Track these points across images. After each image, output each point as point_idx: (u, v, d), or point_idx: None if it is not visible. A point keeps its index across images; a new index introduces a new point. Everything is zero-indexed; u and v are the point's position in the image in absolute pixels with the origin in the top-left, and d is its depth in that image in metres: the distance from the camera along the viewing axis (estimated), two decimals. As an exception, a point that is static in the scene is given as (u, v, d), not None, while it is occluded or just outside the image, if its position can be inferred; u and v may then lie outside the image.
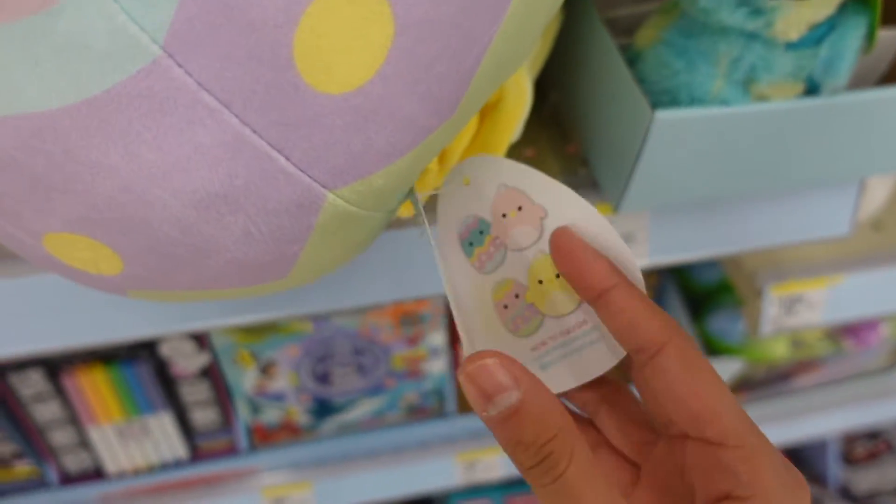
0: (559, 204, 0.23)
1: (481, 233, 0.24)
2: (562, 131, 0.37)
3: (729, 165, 0.30)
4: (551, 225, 0.23)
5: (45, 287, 0.32)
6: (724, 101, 0.27)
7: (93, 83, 0.13)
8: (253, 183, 0.16)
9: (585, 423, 0.24)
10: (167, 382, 0.54)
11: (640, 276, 0.22)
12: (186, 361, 0.53)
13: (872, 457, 0.93)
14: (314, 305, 0.38)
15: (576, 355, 0.23)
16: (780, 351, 0.62)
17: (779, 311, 0.50)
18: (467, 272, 0.25)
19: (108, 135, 0.14)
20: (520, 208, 0.23)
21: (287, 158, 0.16)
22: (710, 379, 0.19)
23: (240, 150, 0.15)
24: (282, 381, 0.56)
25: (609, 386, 0.24)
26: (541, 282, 0.24)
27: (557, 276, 0.23)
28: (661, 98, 0.27)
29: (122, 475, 0.57)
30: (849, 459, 0.91)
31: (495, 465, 0.65)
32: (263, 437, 0.60)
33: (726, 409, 0.19)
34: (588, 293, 0.21)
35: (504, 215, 0.24)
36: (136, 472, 0.57)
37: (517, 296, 0.24)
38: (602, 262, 0.21)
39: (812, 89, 0.28)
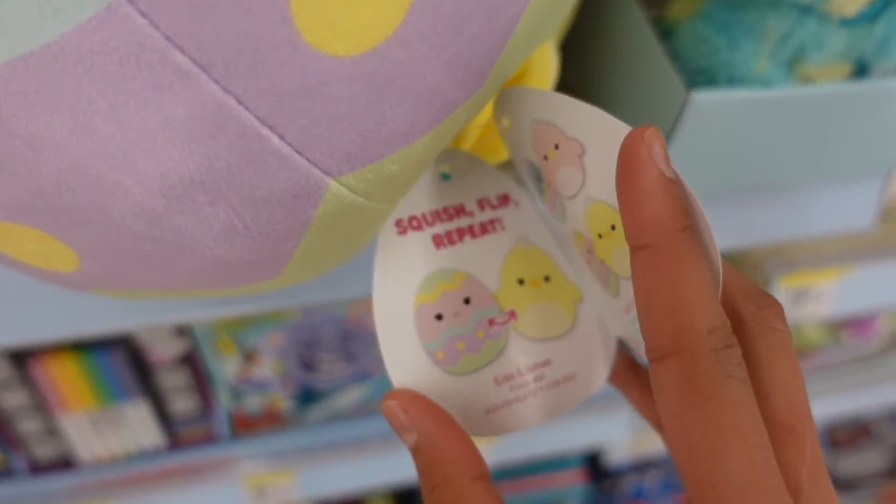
0: (595, 134, 0.17)
1: (539, 180, 0.20)
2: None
3: (761, 152, 0.27)
4: (592, 163, 0.17)
5: (7, 274, 0.29)
6: (765, 83, 0.24)
7: (30, 35, 0.10)
8: (237, 167, 0.13)
9: None
10: (143, 369, 0.51)
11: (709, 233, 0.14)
12: (164, 348, 0.50)
13: (854, 442, 0.93)
14: (306, 297, 0.35)
15: None
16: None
17: (786, 302, 0.48)
18: (551, 219, 0.21)
19: (52, 102, 0.11)
20: (556, 147, 0.18)
21: (280, 137, 0.13)
22: (717, 425, 0.13)
23: (221, 125, 0.12)
24: (266, 369, 0.53)
25: None
26: (600, 236, 0.18)
27: (613, 227, 0.17)
28: (697, 78, 0.25)
29: (97, 464, 0.54)
30: (832, 444, 0.91)
31: (484, 452, 0.63)
32: (245, 425, 0.58)
33: (723, 477, 0.13)
34: (628, 237, 0.15)
35: (546, 157, 0.19)
36: (113, 461, 0.55)
37: (589, 251, 0.19)
38: (659, 206, 0.14)
39: (859, 71, 0.25)
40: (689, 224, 0.14)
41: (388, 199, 0.16)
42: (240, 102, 0.12)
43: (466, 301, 0.20)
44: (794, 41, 0.23)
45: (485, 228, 0.21)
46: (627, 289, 0.18)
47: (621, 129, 0.16)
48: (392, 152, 0.14)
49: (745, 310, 0.16)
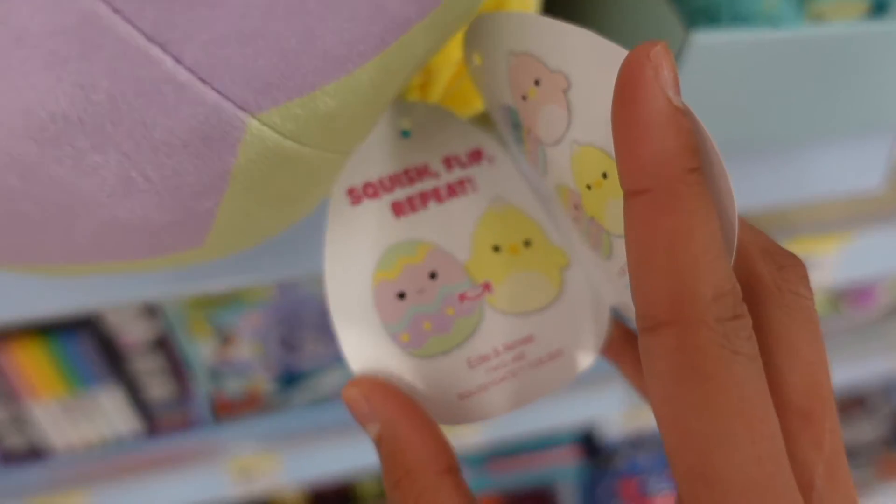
0: (584, 63, 0.14)
1: (516, 127, 0.18)
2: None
3: (766, 103, 0.25)
4: (580, 99, 0.14)
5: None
6: (773, 21, 0.21)
7: None
8: (123, 101, 0.10)
9: None
10: (115, 353, 0.49)
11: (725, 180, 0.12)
12: (135, 331, 0.48)
13: (847, 412, 0.93)
14: (282, 271, 0.33)
15: None
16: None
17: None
18: (534, 174, 0.19)
19: None
20: (537, 83, 0.15)
21: (176, 59, 0.10)
22: (718, 410, 0.11)
23: (94, 43, 0.09)
24: (245, 351, 0.51)
25: None
26: (589, 187, 0.16)
27: (604, 175, 0.15)
28: (697, 18, 0.22)
29: (71, 451, 0.52)
30: (826, 416, 0.90)
31: (475, 430, 0.62)
32: (227, 409, 0.56)
33: (723, 472, 0.11)
34: (622, 180, 0.12)
35: (524, 97, 0.16)
36: (88, 448, 0.53)
37: (577, 207, 0.17)
38: (662, 142, 0.11)
39: (877, 8, 0.23)
40: (697, 165, 0.11)
41: (329, 145, 0.14)
42: (116, 11, 0.09)
43: (432, 275, 0.17)
44: (806, -28, 0.20)
45: (453, 190, 0.18)
46: (622, 248, 0.16)
47: (617, 54, 0.13)
48: (326, 82, 0.12)
49: (764, 270, 0.13)
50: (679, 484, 0.12)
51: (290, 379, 0.55)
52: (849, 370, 0.67)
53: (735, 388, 0.11)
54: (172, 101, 0.11)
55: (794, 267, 0.14)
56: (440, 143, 0.18)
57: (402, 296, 0.17)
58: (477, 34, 0.17)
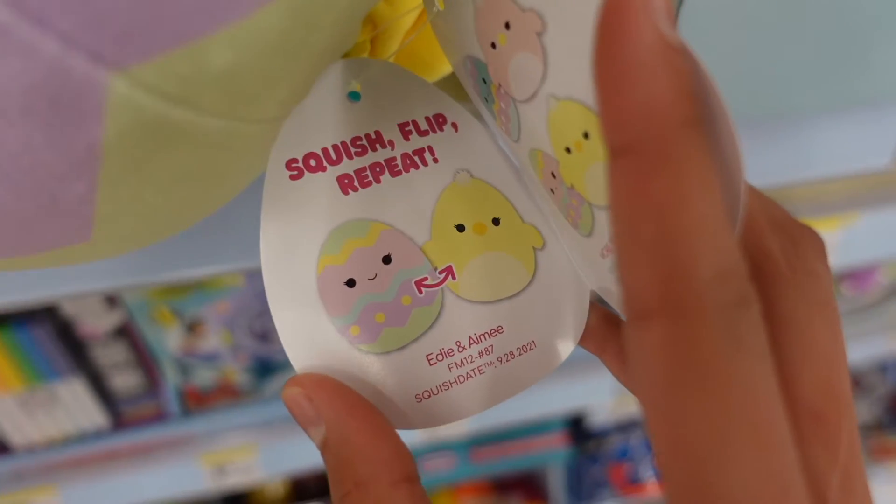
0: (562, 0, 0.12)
1: (484, 81, 0.16)
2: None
3: (770, 70, 0.22)
4: (557, 43, 0.12)
5: None
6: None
7: None
8: None
9: None
10: (75, 344, 0.46)
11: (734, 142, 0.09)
12: (95, 321, 0.45)
13: (841, 394, 0.92)
14: (252, 259, 0.30)
15: None
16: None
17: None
18: (505, 140, 0.16)
19: None
20: (507, 26, 0.13)
21: None
22: (721, 414, 0.09)
23: None
24: (213, 340, 0.48)
25: None
26: (569, 150, 0.13)
27: (586, 135, 0.12)
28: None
29: (31, 448, 0.50)
30: (818, 397, 0.90)
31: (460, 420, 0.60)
32: (198, 401, 0.53)
33: (727, 487, 0.09)
34: (605, 137, 0.09)
35: (493, 45, 0.14)
36: (50, 445, 0.50)
37: (553, 174, 0.15)
38: (662, 86, 0.09)
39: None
40: (696, 116, 0.09)
41: (238, 112, 0.11)
42: None
43: (386, 260, 0.15)
44: None
45: (410, 162, 0.16)
46: (606, 223, 0.13)
47: None
48: (214, 27, 0.09)
49: (774, 246, 0.11)
50: (672, 499, 0.10)
51: (263, 369, 0.52)
52: (851, 352, 0.65)
53: (738, 390, 0.09)
54: (2, 51, 0.08)
55: (811, 241, 0.12)
56: (395, 108, 0.16)
57: (350, 283, 0.15)
58: None
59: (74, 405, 0.49)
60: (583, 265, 0.17)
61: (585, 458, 0.74)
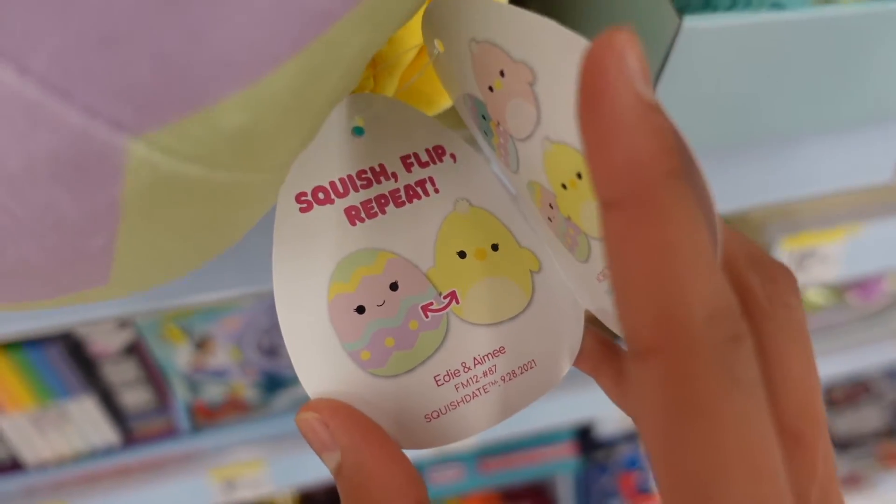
0: (548, 54, 0.13)
1: (484, 118, 0.17)
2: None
3: (769, 94, 0.22)
4: (547, 93, 0.13)
5: None
6: (777, 5, 0.19)
7: None
8: None
9: None
10: (86, 363, 0.46)
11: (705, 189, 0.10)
12: (106, 339, 0.46)
13: (851, 400, 0.91)
14: (261, 283, 0.30)
15: None
16: (778, 306, 0.56)
17: (789, 267, 0.43)
18: (504, 171, 0.17)
19: None
20: (502, 73, 0.14)
21: (21, 71, 0.08)
22: (720, 447, 0.09)
23: None
24: (222, 357, 0.49)
25: None
26: (564, 187, 0.14)
27: (579, 175, 0.14)
28: (692, 1, 0.19)
29: (43, 465, 0.50)
30: (828, 402, 0.89)
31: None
32: (207, 416, 0.54)
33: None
34: (596, 190, 0.10)
35: (490, 88, 0.15)
36: (61, 462, 0.50)
37: (551, 205, 0.16)
38: (645, 142, 0.09)
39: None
40: (677, 167, 0.09)
41: (249, 165, 0.11)
42: None
43: (393, 287, 0.15)
44: (820, -57, 0.18)
45: (413, 193, 0.16)
46: (601, 251, 0.15)
47: (581, 45, 0.11)
48: (227, 93, 0.09)
49: (754, 282, 0.12)
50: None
51: (271, 384, 0.53)
52: (854, 359, 0.65)
53: (735, 422, 0.09)
54: (23, 123, 0.08)
55: (785, 276, 0.13)
56: (397, 141, 0.16)
57: (360, 310, 0.15)
58: (435, 19, 0.16)
59: (85, 422, 0.49)
60: (579, 287, 0.17)
61: (594, 467, 0.74)
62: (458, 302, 0.16)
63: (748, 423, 0.09)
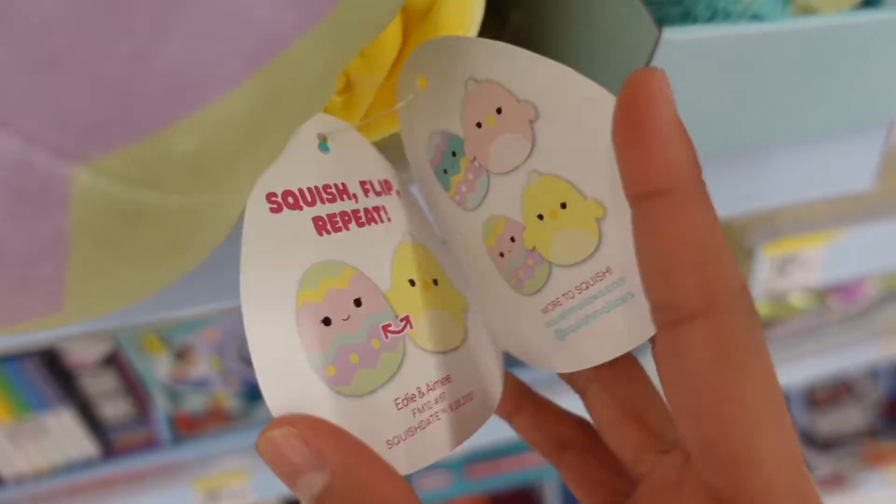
0: (556, 96, 0.15)
1: (454, 154, 0.17)
2: (525, 62, 0.29)
3: (749, 104, 0.22)
4: (548, 131, 0.15)
5: None
6: (756, 15, 0.19)
7: None
8: None
9: (563, 420, 0.18)
10: (64, 375, 0.45)
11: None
12: (84, 351, 0.45)
13: (834, 400, 0.92)
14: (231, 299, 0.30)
15: (602, 318, 0.16)
16: (762, 311, 0.57)
17: (770, 272, 0.43)
18: (449, 211, 0.18)
19: None
20: (499, 111, 0.16)
21: None
22: (755, 394, 0.11)
23: None
24: (203, 366, 0.48)
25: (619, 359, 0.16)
26: (541, 217, 0.16)
27: (563, 205, 0.15)
28: (670, 11, 0.19)
29: (20, 480, 0.49)
30: (811, 403, 0.90)
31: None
32: (189, 427, 0.53)
33: (766, 455, 0.11)
34: (634, 185, 0.12)
35: (479, 125, 0.16)
36: (38, 476, 0.49)
37: (513, 239, 0.17)
38: (680, 148, 0.12)
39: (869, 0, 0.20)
40: (701, 169, 0.12)
41: (206, 187, 0.11)
42: None
43: (357, 303, 0.15)
44: (795, -44, 0.18)
45: (370, 217, 0.16)
46: (560, 281, 0.16)
47: (594, 92, 0.14)
48: (176, 116, 0.09)
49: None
50: (715, 473, 0.12)
51: (253, 393, 0.52)
52: (837, 360, 0.66)
53: (765, 375, 0.11)
54: None
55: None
56: (356, 166, 0.17)
57: (327, 322, 0.14)
58: (429, 56, 0.16)
59: (63, 435, 0.48)
60: (508, 325, 0.18)
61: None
62: (411, 326, 0.16)
63: (771, 375, 0.12)
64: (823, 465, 0.82)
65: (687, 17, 0.19)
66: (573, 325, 0.16)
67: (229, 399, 0.52)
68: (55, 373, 0.45)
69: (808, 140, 0.30)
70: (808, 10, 0.20)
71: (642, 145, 0.12)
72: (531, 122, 0.15)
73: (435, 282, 0.17)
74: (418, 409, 0.15)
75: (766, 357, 0.12)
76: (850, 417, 0.89)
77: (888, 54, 0.21)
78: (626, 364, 0.17)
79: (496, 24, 0.29)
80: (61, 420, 0.47)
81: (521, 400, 0.19)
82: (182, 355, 0.47)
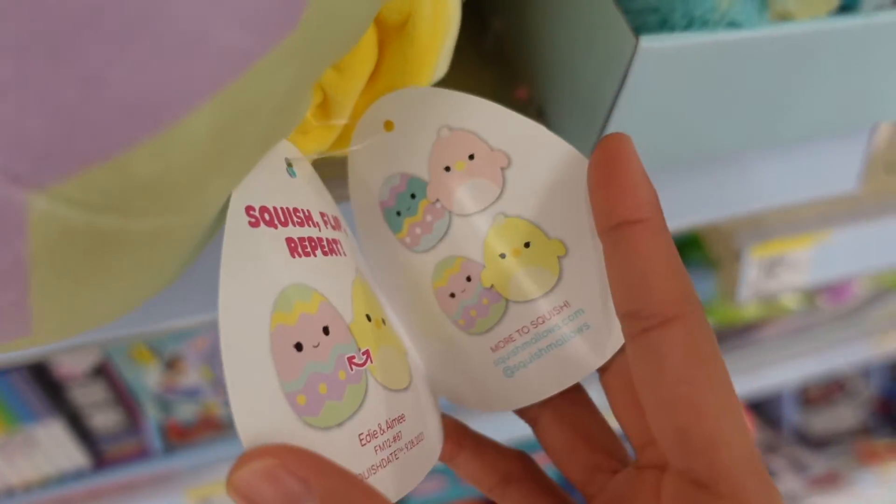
0: (528, 147, 0.17)
1: (413, 196, 0.18)
2: (509, 71, 0.29)
3: (730, 111, 0.22)
4: (518, 178, 0.17)
5: None
6: (733, 22, 0.19)
7: None
8: None
9: (504, 454, 0.19)
10: (53, 386, 0.45)
11: None
12: (72, 361, 0.45)
13: (827, 398, 0.92)
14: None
15: (553, 352, 0.17)
16: (751, 312, 0.57)
17: (759, 274, 0.44)
18: (395, 253, 0.18)
19: None
20: (471, 157, 0.17)
21: None
22: (720, 385, 0.13)
23: None
24: (193, 375, 0.48)
25: None
26: (503, 255, 0.17)
27: (527, 244, 0.17)
28: (647, 19, 0.19)
29: (10, 492, 0.49)
30: (804, 402, 0.90)
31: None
32: (180, 436, 0.53)
33: (731, 436, 0.13)
34: (609, 217, 0.15)
35: (447, 168, 0.17)
36: (28, 488, 0.49)
37: (469, 278, 0.18)
38: (648, 189, 0.15)
39: (848, 5, 0.20)
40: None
41: (171, 209, 0.11)
42: None
43: (325, 331, 0.15)
44: (769, -35, 0.18)
45: (331, 248, 0.16)
46: (516, 317, 0.17)
47: (561, 147, 0.16)
48: (135, 140, 0.09)
49: None
50: (689, 457, 0.13)
51: (246, 402, 0.52)
52: (829, 358, 0.66)
53: (723, 368, 0.14)
54: None
55: None
56: (316, 196, 0.17)
57: (299, 347, 0.14)
58: (402, 102, 0.17)
59: (54, 447, 0.48)
60: (446, 369, 0.18)
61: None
62: (371, 361, 0.15)
63: (725, 369, 0.14)
64: (817, 463, 0.82)
65: (664, 25, 0.19)
66: (524, 360, 0.17)
67: (220, 407, 0.51)
68: (44, 384, 0.45)
69: (792, 144, 0.30)
70: (785, 17, 0.20)
71: (620, 185, 0.15)
72: (503, 168, 0.17)
73: (383, 321, 0.17)
74: (380, 447, 0.15)
75: (721, 355, 0.14)
76: (843, 416, 0.89)
77: (867, 59, 0.21)
78: (575, 392, 0.18)
79: (477, 31, 0.29)
80: (51, 432, 0.47)
81: (462, 439, 0.19)
82: (172, 365, 0.46)
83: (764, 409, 0.87)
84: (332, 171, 0.19)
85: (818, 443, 0.86)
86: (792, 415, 0.86)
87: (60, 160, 0.09)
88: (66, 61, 0.08)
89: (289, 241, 0.15)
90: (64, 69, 0.08)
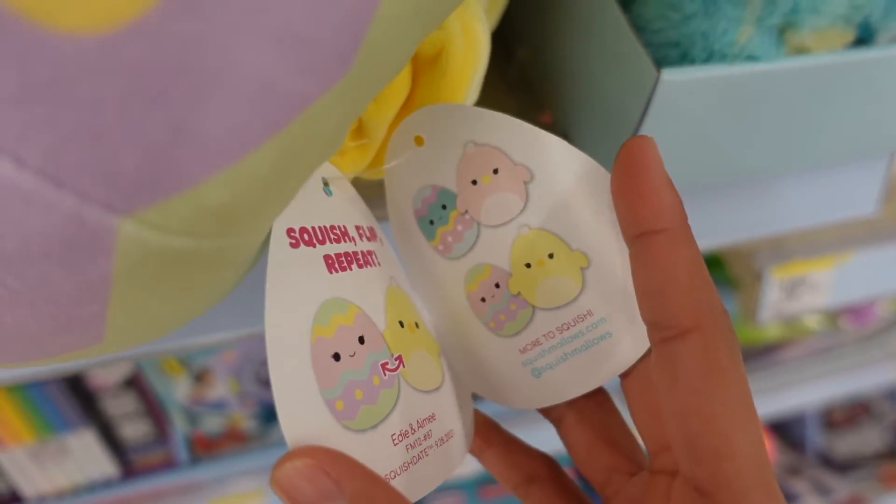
0: (550, 162, 0.17)
1: (444, 207, 0.19)
2: (533, 98, 0.30)
3: (748, 139, 0.23)
4: (540, 191, 0.17)
5: None
6: (751, 55, 0.20)
7: None
8: None
9: (530, 454, 0.19)
10: (86, 396, 0.47)
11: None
12: (107, 373, 0.46)
13: (851, 421, 0.91)
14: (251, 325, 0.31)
15: (580, 355, 0.18)
16: (773, 332, 0.57)
17: (780, 295, 0.44)
18: (430, 259, 0.19)
19: None
20: (496, 171, 0.18)
21: (18, 163, 0.09)
22: (734, 397, 0.14)
23: None
24: (221, 389, 0.49)
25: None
26: (529, 265, 0.18)
27: (551, 255, 0.18)
28: (669, 52, 0.20)
29: (42, 499, 0.50)
30: (828, 424, 0.88)
31: (467, 460, 0.60)
32: (206, 448, 0.54)
33: (741, 448, 0.13)
34: (632, 227, 0.15)
35: (474, 182, 0.18)
36: (60, 495, 0.50)
37: (497, 285, 0.19)
38: (670, 197, 0.14)
39: (863, 38, 0.21)
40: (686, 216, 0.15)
41: (234, 233, 0.12)
42: None
43: (361, 340, 0.16)
44: (785, 4, 0.19)
45: (366, 260, 0.17)
46: (543, 322, 0.18)
47: (583, 161, 0.17)
48: (209, 174, 0.10)
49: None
50: (698, 465, 0.14)
51: (270, 415, 0.53)
52: (853, 380, 0.65)
53: (741, 383, 0.14)
54: (19, 208, 0.09)
55: None
56: (352, 211, 0.18)
57: (336, 357, 0.15)
58: (430, 119, 0.18)
59: (85, 456, 0.49)
60: (478, 367, 0.19)
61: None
62: (403, 365, 0.17)
63: (745, 384, 0.14)
64: (842, 487, 0.81)
65: (685, 59, 0.20)
66: (551, 362, 0.18)
67: (246, 420, 0.53)
68: (77, 395, 0.46)
69: (812, 169, 0.31)
70: (801, 50, 0.20)
71: (641, 194, 0.14)
72: (526, 182, 0.18)
73: (416, 325, 0.18)
74: (411, 445, 0.16)
75: (742, 369, 0.14)
76: (868, 439, 0.88)
77: (883, 89, 0.22)
78: (598, 395, 0.18)
79: (503, 59, 0.30)
80: (83, 441, 0.48)
81: (491, 436, 0.20)
82: (201, 378, 0.48)
83: (787, 431, 0.86)
84: (375, 192, 0.20)
85: (842, 466, 0.85)
86: (815, 437, 0.85)
87: (148, 191, 0.10)
88: (158, 110, 0.09)
89: (326, 258, 0.16)
90: (156, 117, 0.09)
